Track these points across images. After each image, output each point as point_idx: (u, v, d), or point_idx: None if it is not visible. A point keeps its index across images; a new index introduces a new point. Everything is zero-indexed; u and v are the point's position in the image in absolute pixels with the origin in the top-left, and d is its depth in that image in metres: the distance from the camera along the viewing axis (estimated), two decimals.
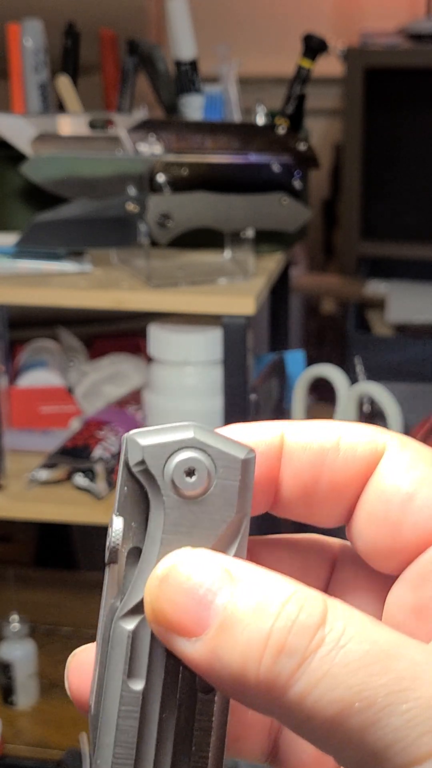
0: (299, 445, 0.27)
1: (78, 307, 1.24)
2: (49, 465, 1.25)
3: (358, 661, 0.22)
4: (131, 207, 1.18)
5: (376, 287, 2.06)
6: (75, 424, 1.36)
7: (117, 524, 0.25)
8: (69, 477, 1.24)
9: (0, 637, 1.39)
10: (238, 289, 1.15)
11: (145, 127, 1.33)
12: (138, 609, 0.24)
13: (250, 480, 0.25)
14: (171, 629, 0.23)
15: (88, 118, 1.37)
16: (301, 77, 1.40)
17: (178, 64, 1.47)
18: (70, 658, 0.27)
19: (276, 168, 1.27)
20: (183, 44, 1.45)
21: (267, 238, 1.26)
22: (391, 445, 0.27)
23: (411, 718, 0.21)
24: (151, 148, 1.28)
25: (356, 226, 2.07)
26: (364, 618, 0.23)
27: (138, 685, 0.24)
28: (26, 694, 1.39)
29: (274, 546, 0.29)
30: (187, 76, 1.47)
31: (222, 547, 0.25)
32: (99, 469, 1.22)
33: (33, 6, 1.57)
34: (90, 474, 1.22)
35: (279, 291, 1.52)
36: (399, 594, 0.26)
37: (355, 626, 0.22)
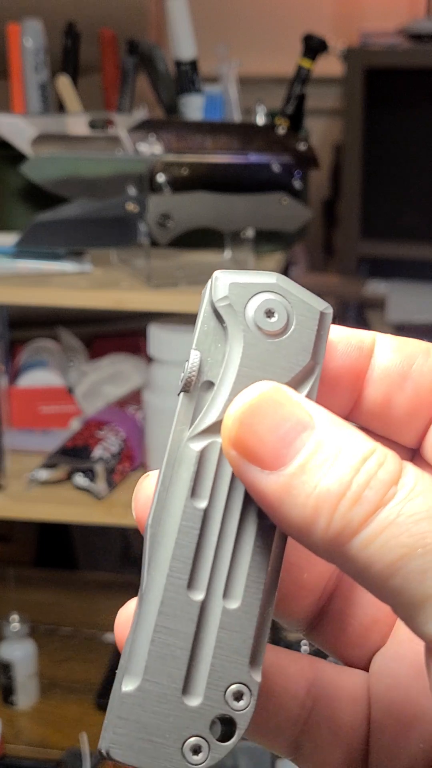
0: (391, 346, 0.28)
1: (78, 307, 1.24)
2: (49, 465, 1.25)
3: (424, 513, 0.22)
4: (131, 207, 1.18)
5: (376, 287, 2.06)
6: (75, 424, 1.36)
7: (194, 357, 0.26)
8: (69, 477, 1.24)
9: (0, 637, 1.39)
10: None
11: (145, 127, 1.33)
12: (209, 432, 0.25)
13: (326, 332, 0.26)
14: (248, 457, 0.24)
15: (88, 118, 1.37)
16: (301, 77, 1.40)
17: (178, 64, 1.47)
18: (140, 482, 0.28)
19: (276, 168, 1.27)
20: (183, 44, 1.45)
21: (267, 238, 1.26)
22: None
23: None
24: (151, 148, 1.28)
25: (356, 226, 2.07)
26: None
27: (201, 504, 0.25)
28: (26, 694, 1.39)
29: None
30: (187, 76, 1.47)
31: (294, 389, 0.26)
32: (99, 469, 1.22)
33: (33, 6, 1.57)
34: (90, 474, 1.22)
35: None
36: None
37: (424, 484, 0.23)
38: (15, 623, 1.38)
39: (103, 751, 0.24)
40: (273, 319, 0.26)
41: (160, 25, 1.85)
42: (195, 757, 0.25)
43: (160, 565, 0.25)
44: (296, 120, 1.40)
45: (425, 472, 0.23)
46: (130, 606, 0.27)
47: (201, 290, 0.26)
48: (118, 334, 1.60)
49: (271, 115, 1.44)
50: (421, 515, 0.22)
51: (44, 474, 1.24)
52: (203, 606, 0.25)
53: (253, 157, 1.30)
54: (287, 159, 1.28)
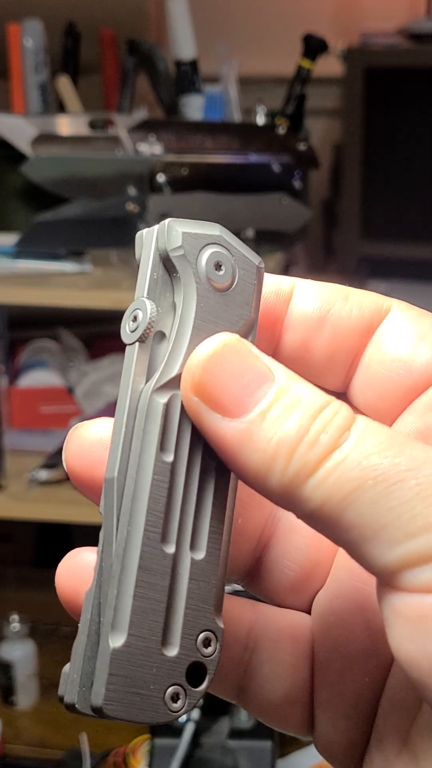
0: (309, 292, 0.28)
1: (78, 307, 1.24)
2: (49, 465, 1.25)
3: (374, 448, 0.23)
4: (131, 207, 1.18)
5: (376, 287, 2.06)
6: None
7: (150, 306, 0.26)
8: (68, 477, 1.24)
9: (0, 637, 1.39)
10: None
11: (145, 127, 1.33)
12: (170, 385, 0.25)
13: (261, 287, 0.27)
14: (210, 404, 0.24)
15: (88, 118, 1.37)
16: (301, 77, 1.40)
17: (178, 64, 1.47)
18: (73, 431, 0.28)
19: (276, 168, 1.27)
20: (183, 44, 1.45)
21: (267, 238, 1.26)
22: (397, 304, 0.29)
23: (421, 491, 0.23)
24: (151, 148, 1.28)
25: (356, 226, 2.07)
26: (384, 426, 0.24)
27: (168, 457, 0.25)
28: (26, 694, 1.39)
29: None
30: (187, 76, 1.47)
31: None
32: None
33: (33, 6, 1.57)
34: None
35: None
36: (405, 422, 0.28)
37: (375, 426, 0.24)
38: (15, 623, 1.38)
39: (94, 707, 0.25)
40: (221, 273, 0.26)
41: (160, 25, 1.85)
42: (175, 705, 0.26)
43: (136, 520, 0.25)
44: (296, 120, 1.40)
45: (375, 421, 0.24)
46: (76, 558, 0.28)
47: None
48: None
49: (271, 115, 1.44)
50: (372, 450, 0.23)
51: (44, 474, 1.24)
52: (175, 558, 0.26)
53: (253, 157, 1.30)
54: (287, 159, 1.28)
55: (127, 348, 0.26)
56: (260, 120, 1.44)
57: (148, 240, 0.26)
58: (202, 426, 0.25)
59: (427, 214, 2.05)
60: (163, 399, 0.25)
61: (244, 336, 0.26)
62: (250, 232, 1.19)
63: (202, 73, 1.48)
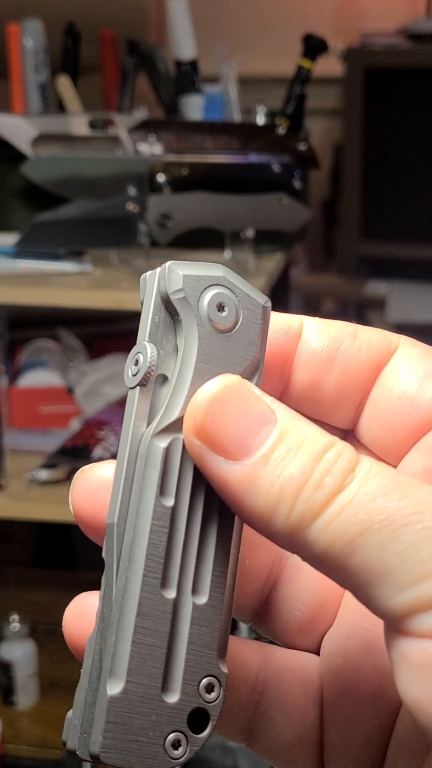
0: (318, 330, 0.28)
1: (78, 307, 1.24)
2: (49, 465, 1.25)
3: (379, 491, 0.23)
4: (131, 207, 1.18)
5: (376, 287, 2.06)
6: (75, 424, 1.36)
7: (151, 350, 0.26)
8: (69, 477, 1.24)
9: (0, 637, 1.39)
10: None
11: (145, 127, 1.33)
12: (171, 428, 0.25)
13: (267, 326, 0.27)
14: (212, 447, 0.24)
15: (88, 118, 1.37)
16: (301, 77, 1.40)
17: (178, 64, 1.47)
18: (78, 475, 0.28)
19: (276, 168, 1.27)
20: (183, 44, 1.45)
21: (267, 238, 1.26)
22: (405, 341, 0.29)
23: (427, 535, 0.22)
24: (151, 148, 1.28)
25: (356, 226, 2.07)
26: (388, 466, 0.24)
27: (169, 502, 0.25)
28: (26, 694, 1.39)
29: None
30: (187, 76, 1.47)
31: None
32: None
33: (33, 6, 1.57)
34: None
35: (279, 291, 1.52)
36: (412, 460, 0.28)
37: (379, 468, 0.24)
38: (15, 623, 1.38)
39: (92, 754, 0.25)
40: (224, 314, 0.26)
41: (160, 25, 1.85)
42: (176, 752, 0.25)
43: (135, 566, 0.25)
44: (296, 120, 1.40)
45: (379, 462, 0.24)
46: (83, 602, 0.27)
47: None
48: (118, 334, 1.60)
49: (271, 115, 1.44)
50: (377, 494, 0.23)
51: (44, 474, 1.24)
52: (175, 603, 0.25)
53: (253, 157, 1.30)
54: (287, 159, 1.28)
55: (129, 392, 0.26)
56: (260, 120, 1.44)
57: (150, 283, 0.26)
58: (204, 469, 0.25)
59: (427, 214, 2.05)
60: (163, 443, 0.25)
61: (249, 376, 0.26)
62: (250, 232, 1.19)
63: (202, 73, 1.48)
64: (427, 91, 2.04)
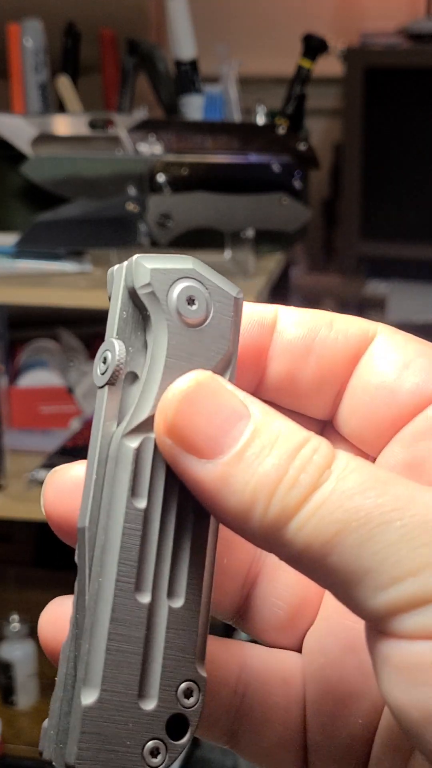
0: (293, 320, 0.28)
1: (78, 307, 1.24)
2: (49, 465, 1.25)
3: (356, 488, 0.22)
4: (131, 207, 1.18)
5: (376, 287, 2.06)
6: (75, 424, 1.36)
7: (119, 347, 0.25)
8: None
9: (0, 637, 1.39)
10: None
11: (145, 127, 1.33)
12: (142, 428, 0.24)
13: (240, 318, 0.26)
14: (184, 446, 0.23)
15: (88, 118, 1.37)
16: (301, 77, 1.40)
17: (178, 64, 1.47)
18: (49, 477, 0.27)
19: (276, 168, 1.27)
20: (183, 44, 1.45)
21: (267, 238, 1.26)
22: (383, 329, 0.28)
23: (406, 533, 0.22)
24: (151, 148, 1.28)
25: (356, 226, 2.07)
26: (366, 461, 0.23)
27: (141, 504, 0.24)
28: (26, 694, 1.39)
29: None
30: (187, 76, 1.47)
31: None
32: None
33: (33, 6, 1.57)
34: None
35: (279, 291, 1.52)
36: (391, 452, 0.27)
37: (356, 464, 0.23)
38: (15, 623, 1.38)
39: (68, 766, 0.24)
40: (194, 307, 0.25)
41: (160, 25, 1.85)
42: (154, 760, 0.25)
43: (107, 571, 0.24)
44: (296, 120, 1.41)
45: (356, 456, 0.24)
46: (58, 607, 0.27)
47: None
48: None
49: (271, 115, 1.44)
50: (354, 491, 0.22)
51: (44, 474, 1.24)
52: (150, 608, 0.25)
53: (253, 157, 1.30)
54: (287, 159, 1.28)
55: (98, 391, 0.25)
56: (260, 120, 1.44)
57: (118, 277, 0.25)
58: (177, 469, 0.24)
59: (427, 214, 2.05)
60: (133, 443, 0.24)
61: (222, 371, 0.25)
62: (250, 232, 1.19)
63: (202, 73, 1.48)
64: (427, 91, 2.04)
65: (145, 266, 0.25)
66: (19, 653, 1.37)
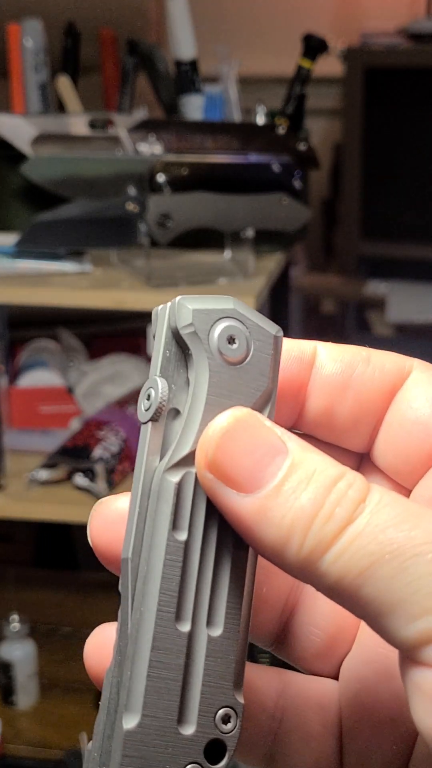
0: (331, 356, 0.29)
1: (78, 307, 1.24)
2: (49, 465, 1.25)
3: (389, 521, 0.23)
4: (131, 207, 1.18)
5: (376, 287, 2.06)
6: (75, 424, 1.36)
7: (162, 385, 0.26)
8: (69, 477, 1.24)
9: (0, 637, 1.39)
10: (238, 289, 1.15)
11: (145, 127, 1.33)
12: (183, 463, 0.26)
13: (279, 356, 0.27)
14: (224, 480, 0.24)
15: (88, 118, 1.37)
16: (301, 77, 1.40)
17: (178, 64, 1.47)
18: (96, 508, 0.28)
19: (276, 168, 1.27)
20: (183, 44, 1.45)
21: (267, 238, 1.26)
22: (418, 365, 0.29)
23: None
24: (151, 148, 1.28)
25: (356, 226, 2.07)
26: (399, 495, 0.24)
27: (182, 536, 0.25)
28: (26, 694, 1.39)
29: None
30: (187, 76, 1.47)
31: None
32: (99, 469, 1.22)
33: (33, 6, 1.57)
34: (90, 474, 1.22)
35: (279, 291, 1.52)
36: (426, 486, 0.28)
37: (390, 498, 0.24)
38: (15, 623, 1.38)
39: None
40: (234, 346, 0.26)
41: (160, 25, 1.85)
42: None
43: (148, 600, 0.25)
44: (296, 120, 1.41)
45: (390, 490, 0.24)
46: (103, 634, 0.28)
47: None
48: (118, 334, 1.60)
49: (271, 115, 1.44)
50: (388, 524, 0.23)
51: (44, 474, 1.24)
52: (190, 636, 0.26)
53: (253, 157, 1.30)
54: (287, 159, 1.28)
55: (141, 427, 0.27)
56: (260, 120, 1.44)
57: (162, 318, 0.26)
58: (217, 502, 0.25)
59: (427, 214, 2.05)
60: (175, 478, 0.25)
61: (261, 407, 0.26)
62: (250, 232, 1.19)
63: (202, 73, 1.48)
64: (427, 91, 2.04)
65: (188, 307, 0.26)
66: (19, 653, 1.37)
